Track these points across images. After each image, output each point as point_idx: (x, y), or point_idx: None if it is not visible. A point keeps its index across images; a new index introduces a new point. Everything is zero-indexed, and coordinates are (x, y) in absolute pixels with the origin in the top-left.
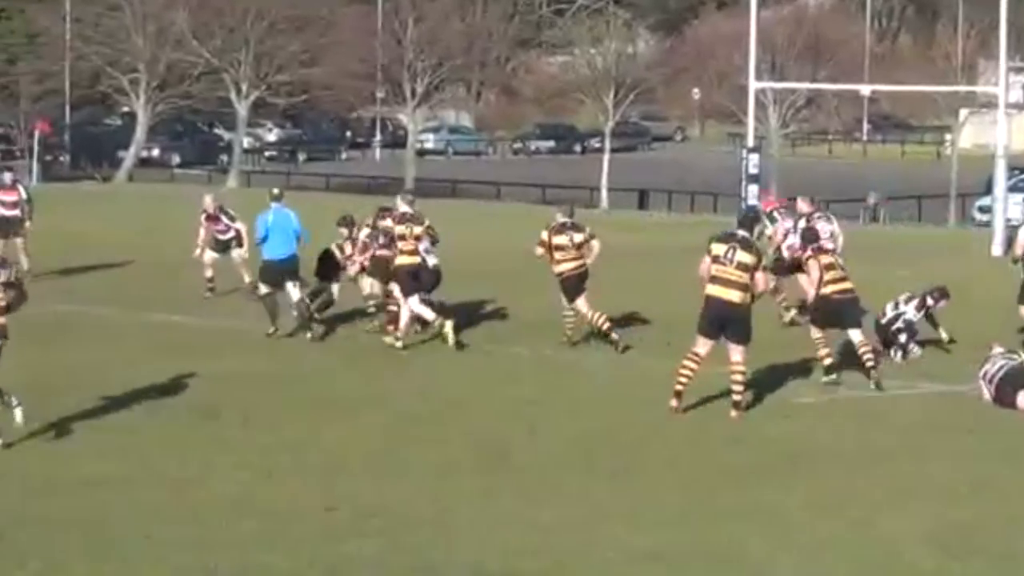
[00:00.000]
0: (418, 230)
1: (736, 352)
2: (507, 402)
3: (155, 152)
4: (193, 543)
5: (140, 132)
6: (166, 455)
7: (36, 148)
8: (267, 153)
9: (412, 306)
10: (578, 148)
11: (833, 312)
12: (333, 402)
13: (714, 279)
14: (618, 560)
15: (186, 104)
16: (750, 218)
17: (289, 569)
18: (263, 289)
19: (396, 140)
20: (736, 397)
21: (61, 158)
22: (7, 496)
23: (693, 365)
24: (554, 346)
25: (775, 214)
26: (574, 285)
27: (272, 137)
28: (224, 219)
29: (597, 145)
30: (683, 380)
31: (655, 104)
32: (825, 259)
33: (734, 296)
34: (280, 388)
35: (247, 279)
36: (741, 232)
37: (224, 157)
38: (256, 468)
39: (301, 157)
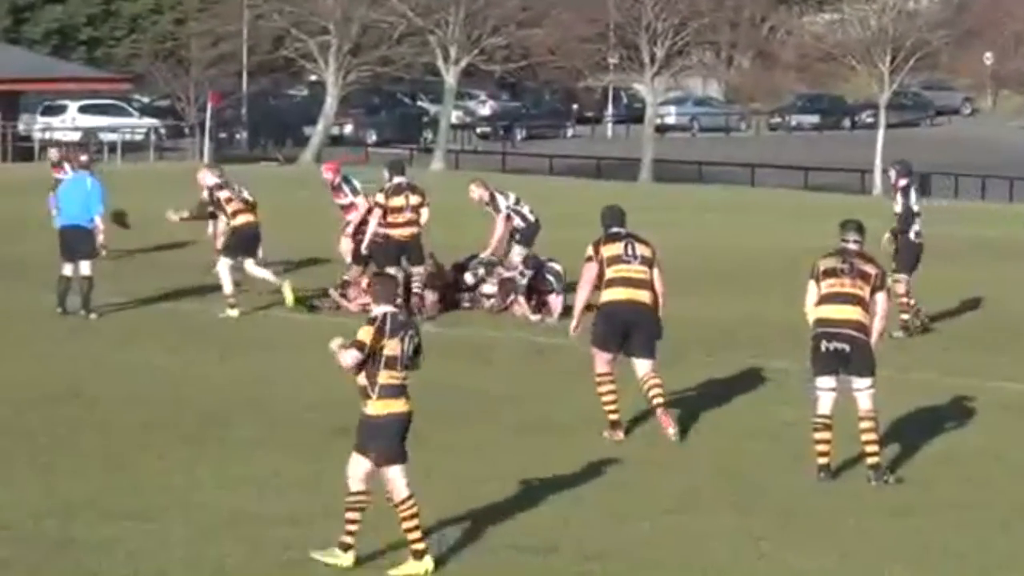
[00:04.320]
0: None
1: None
2: (766, 421)
3: (348, 128)
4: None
5: (330, 105)
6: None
7: (208, 124)
8: (479, 130)
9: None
10: (847, 123)
11: None
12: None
13: None
14: None
15: (384, 72)
16: None
17: None
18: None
19: (632, 114)
20: None
21: (237, 135)
22: None
23: None
24: None
25: None
26: None
27: (485, 111)
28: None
29: (870, 120)
30: None
31: (938, 71)
32: None
33: None
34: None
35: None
36: None
37: (428, 134)
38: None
39: (519, 134)
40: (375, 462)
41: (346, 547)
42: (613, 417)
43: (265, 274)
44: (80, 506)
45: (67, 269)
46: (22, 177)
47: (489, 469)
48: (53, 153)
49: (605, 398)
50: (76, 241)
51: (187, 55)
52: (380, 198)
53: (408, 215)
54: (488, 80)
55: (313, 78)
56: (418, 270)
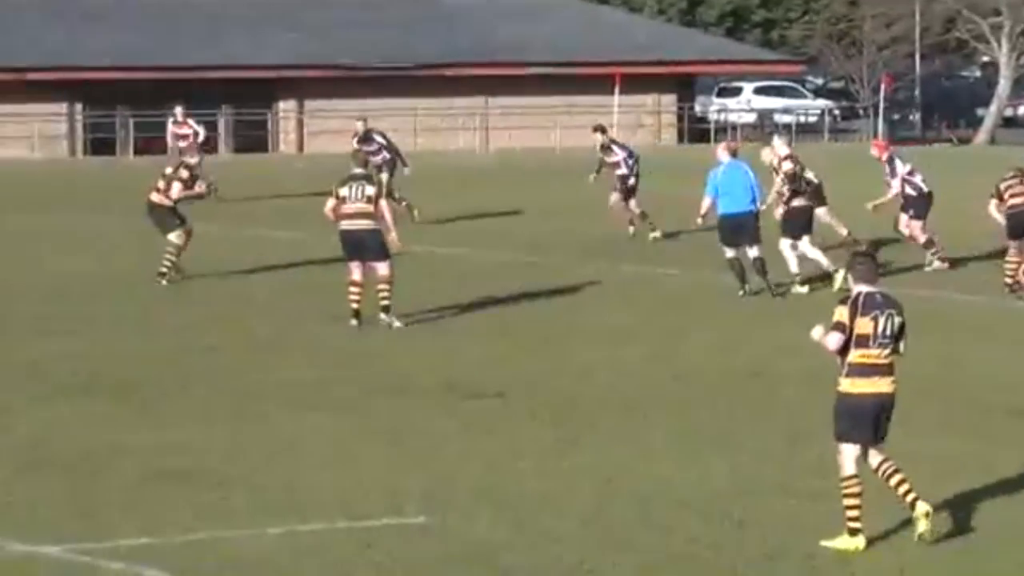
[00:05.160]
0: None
1: None
2: None
3: (1021, 110)
4: None
5: (1003, 87)
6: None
7: (882, 105)
8: None
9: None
10: None
11: None
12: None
13: None
14: None
15: None
16: None
17: None
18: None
19: None
20: None
21: (911, 116)
22: None
23: None
24: None
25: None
26: None
27: None
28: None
29: None
30: None
31: None
32: None
33: None
34: None
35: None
36: None
37: None
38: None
39: None
40: (833, 435)
41: (853, 532)
42: None
43: (818, 256)
44: (763, 485)
45: (729, 253)
46: (696, 159)
47: None
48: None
49: None
50: (742, 226)
51: (860, 36)
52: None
53: None
54: None
55: (985, 59)
56: None
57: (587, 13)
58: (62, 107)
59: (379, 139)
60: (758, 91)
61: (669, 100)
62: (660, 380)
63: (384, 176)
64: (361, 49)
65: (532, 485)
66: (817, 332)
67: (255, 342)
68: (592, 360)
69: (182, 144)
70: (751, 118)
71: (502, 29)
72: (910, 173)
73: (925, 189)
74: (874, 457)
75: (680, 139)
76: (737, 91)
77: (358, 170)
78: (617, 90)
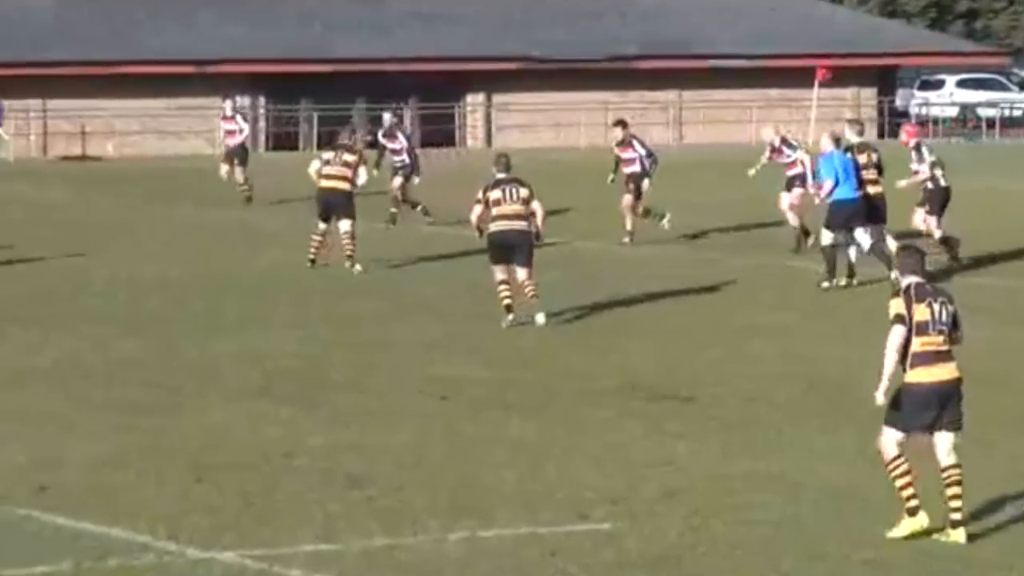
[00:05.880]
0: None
1: None
2: None
3: None
4: None
5: None
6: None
7: None
8: None
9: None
10: None
11: None
12: None
13: None
14: None
15: None
16: None
17: None
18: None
19: None
20: None
21: None
22: None
23: None
24: None
25: None
26: None
27: None
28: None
29: None
30: None
31: None
32: None
33: None
34: None
35: None
36: None
37: None
38: None
39: None
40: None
41: (912, 511)
42: None
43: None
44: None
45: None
46: (898, 155)
47: None
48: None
49: None
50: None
51: None
52: None
53: None
54: None
55: None
56: None
57: (785, 4)
58: (243, 101)
59: (403, 139)
60: (961, 84)
61: (869, 94)
62: (854, 383)
63: (398, 180)
64: (552, 41)
65: (719, 489)
66: (879, 395)
67: (430, 340)
68: (773, 359)
69: (230, 142)
70: (953, 112)
71: (696, 20)
72: (932, 165)
73: (943, 184)
74: (947, 458)
75: (880, 134)
76: (939, 84)
77: (502, 174)
78: (817, 83)
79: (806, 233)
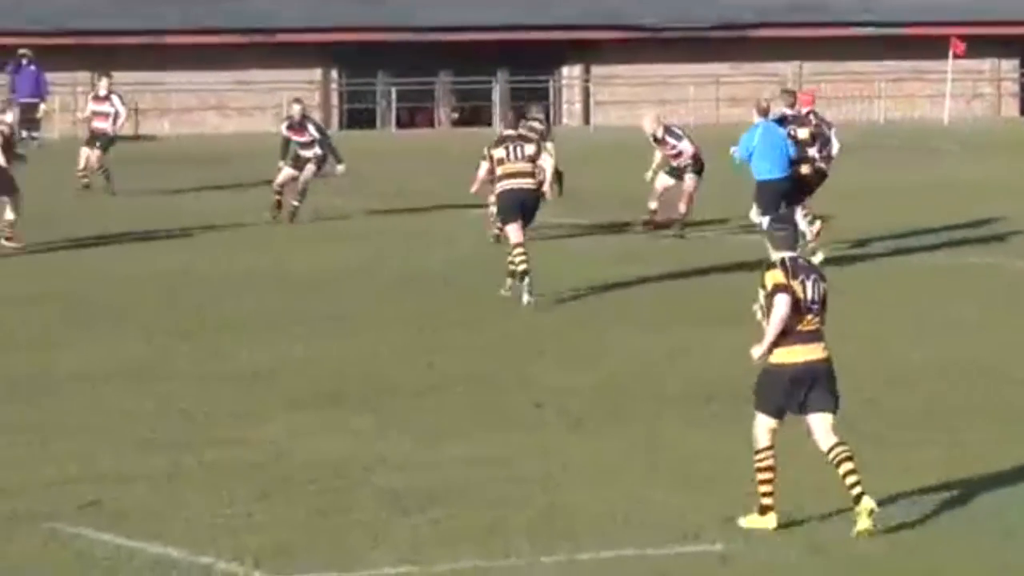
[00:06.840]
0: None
1: None
2: None
3: None
4: None
5: None
6: None
7: None
8: None
9: None
10: None
11: None
12: None
13: None
14: None
15: None
16: None
17: None
18: None
19: None
20: None
21: None
22: None
23: None
24: None
25: None
26: None
27: None
28: None
29: None
30: None
31: None
32: None
33: None
34: None
35: None
36: None
37: None
38: None
39: None
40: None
41: (763, 509)
42: None
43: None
44: None
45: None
46: None
47: None
48: None
49: None
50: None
51: None
52: None
53: None
54: None
55: None
56: None
57: None
58: (315, 73)
59: (313, 130)
60: None
61: (1010, 66)
62: (990, 383)
63: (310, 169)
64: (655, 7)
65: (833, 506)
66: (756, 351)
67: (508, 342)
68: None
69: (98, 124)
70: None
71: None
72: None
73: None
74: (827, 438)
75: (1023, 110)
76: None
77: (509, 131)
78: (951, 55)
79: (657, 225)
